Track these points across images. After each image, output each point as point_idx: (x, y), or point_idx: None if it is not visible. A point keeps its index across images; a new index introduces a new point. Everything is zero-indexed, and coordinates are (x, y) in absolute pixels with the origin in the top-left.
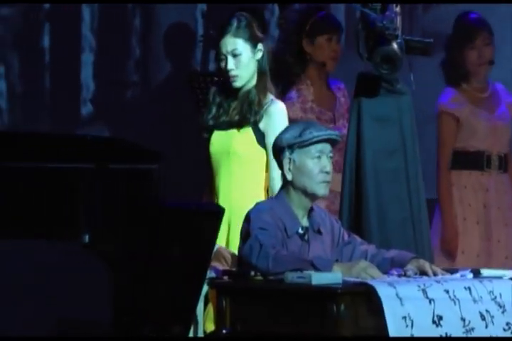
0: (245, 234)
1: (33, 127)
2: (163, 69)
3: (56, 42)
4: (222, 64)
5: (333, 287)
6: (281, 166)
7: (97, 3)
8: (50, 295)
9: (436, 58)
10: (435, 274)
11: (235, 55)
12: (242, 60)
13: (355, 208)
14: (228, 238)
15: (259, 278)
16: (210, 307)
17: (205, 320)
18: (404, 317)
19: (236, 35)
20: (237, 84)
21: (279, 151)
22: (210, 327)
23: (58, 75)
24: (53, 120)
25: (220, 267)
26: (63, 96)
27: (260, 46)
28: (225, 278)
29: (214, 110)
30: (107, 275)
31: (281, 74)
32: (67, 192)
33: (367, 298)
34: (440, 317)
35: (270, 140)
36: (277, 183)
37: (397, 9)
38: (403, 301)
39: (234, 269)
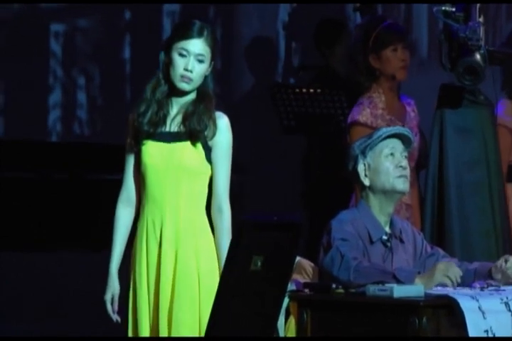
0: (326, 245)
1: (113, 139)
2: (245, 81)
3: (137, 54)
4: (183, 61)
5: (415, 300)
6: (356, 177)
7: (177, 12)
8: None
9: None
10: None
11: (198, 60)
12: (202, 67)
13: (437, 220)
14: (177, 254)
15: (341, 290)
16: (292, 321)
17: (286, 333)
18: (486, 331)
19: (206, 43)
20: (189, 87)
21: (353, 161)
22: None
23: (139, 86)
24: None
25: (301, 280)
26: None
27: (212, 65)
28: (306, 290)
29: (150, 113)
30: None
31: (351, 89)
32: None
33: (449, 311)
34: None
35: (217, 154)
36: (224, 198)
37: (481, 19)
38: (485, 314)
39: (315, 282)
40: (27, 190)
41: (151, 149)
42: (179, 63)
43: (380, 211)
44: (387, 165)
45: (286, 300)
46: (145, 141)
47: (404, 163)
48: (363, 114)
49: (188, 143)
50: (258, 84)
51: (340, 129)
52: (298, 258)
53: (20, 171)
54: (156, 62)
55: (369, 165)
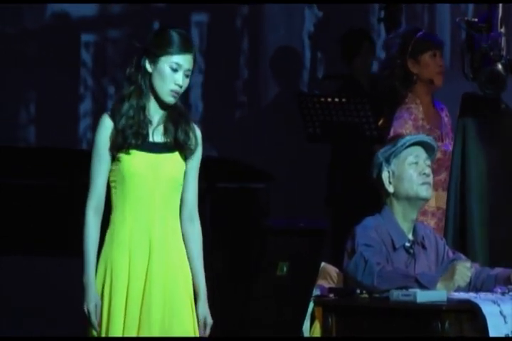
0: (350, 251)
1: None
2: (271, 90)
3: None
4: (174, 75)
5: (438, 304)
6: (381, 183)
7: (205, 22)
8: None
9: None
10: None
11: (186, 75)
12: (187, 82)
13: (460, 227)
14: (167, 265)
15: (365, 295)
16: (317, 325)
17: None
18: (507, 335)
19: (193, 58)
20: (174, 101)
21: (377, 169)
22: None
23: None
24: None
25: (326, 285)
26: None
27: None
28: (331, 295)
29: (136, 125)
30: None
31: (386, 98)
32: None
33: (471, 316)
34: None
35: (193, 165)
36: (195, 208)
37: (502, 30)
38: (507, 319)
39: (339, 287)
40: (61, 197)
41: (138, 159)
42: (170, 78)
43: (404, 218)
44: (410, 172)
45: (311, 305)
46: (130, 151)
47: (428, 170)
48: (405, 127)
49: (176, 154)
50: (284, 93)
51: (364, 137)
52: (323, 264)
53: (51, 178)
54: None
55: (393, 173)
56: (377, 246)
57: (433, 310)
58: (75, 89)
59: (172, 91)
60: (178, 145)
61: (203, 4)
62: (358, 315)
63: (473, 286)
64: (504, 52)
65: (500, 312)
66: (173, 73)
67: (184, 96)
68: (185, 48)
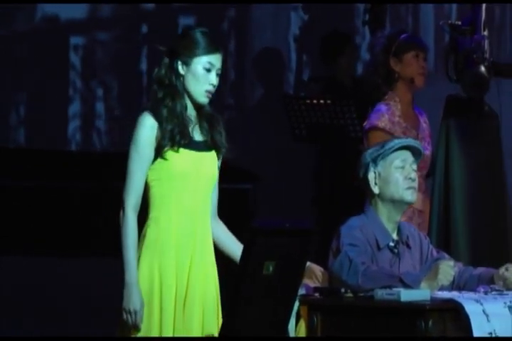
0: (336, 250)
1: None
2: (257, 92)
3: (154, 65)
4: (208, 75)
5: (422, 303)
6: (366, 184)
7: (193, 25)
8: None
9: None
10: None
11: (217, 74)
12: (218, 81)
13: (444, 226)
14: (205, 265)
15: (350, 295)
16: (302, 324)
17: (297, 336)
18: (491, 333)
19: (222, 57)
20: (208, 101)
21: (364, 169)
22: None
23: None
24: None
25: (311, 284)
26: None
27: None
28: (316, 295)
29: (180, 125)
30: None
31: (370, 95)
32: None
33: (454, 314)
34: None
35: (219, 164)
36: (216, 203)
37: (485, 33)
38: (489, 317)
39: (325, 286)
40: (48, 199)
41: (185, 157)
42: (204, 78)
43: (388, 219)
44: (397, 176)
45: (296, 304)
46: (177, 149)
47: (414, 174)
48: (381, 119)
49: (213, 152)
50: (270, 95)
51: (350, 138)
52: (308, 263)
53: (40, 180)
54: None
55: (379, 174)
56: (362, 245)
57: (417, 309)
58: (64, 92)
59: (207, 91)
60: (214, 144)
61: (190, 7)
62: (342, 314)
63: (457, 285)
64: (487, 55)
65: (483, 311)
66: (206, 73)
67: None
68: (215, 48)
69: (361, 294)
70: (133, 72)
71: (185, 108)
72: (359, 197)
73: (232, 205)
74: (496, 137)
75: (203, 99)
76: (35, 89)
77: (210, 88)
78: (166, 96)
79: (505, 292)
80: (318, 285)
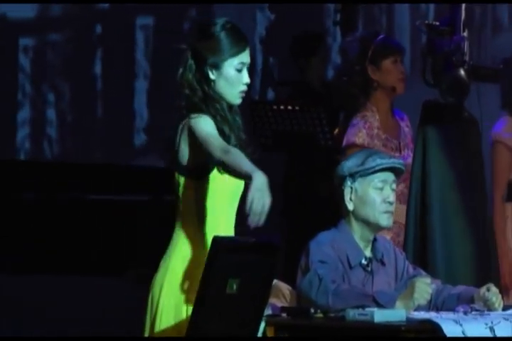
0: (304, 268)
1: (84, 158)
2: None
3: (108, 69)
4: (240, 75)
5: (397, 324)
6: (341, 196)
7: (151, 26)
8: None
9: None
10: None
11: (248, 69)
12: None
13: (420, 241)
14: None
15: (320, 315)
16: None
17: None
18: None
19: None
20: (241, 101)
21: (340, 180)
22: None
23: (111, 103)
24: (105, 150)
25: (278, 303)
26: (115, 125)
27: None
28: (284, 315)
29: (228, 126)
30: None
31: (342, 103)
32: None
33: (432, 336)
34: None
35: None
36: None
37: (465, 34)
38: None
39: (293, 306)
40: None
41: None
42: (238, 79)
43: (361, 237)
44: (374, 197)
45: (262, 325)
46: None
47: (392, 198)
48: (358, 135)
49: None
50: None
51: (319, 147)
52: (275, 281)
53: None
54: (127, 78)
55: (356, 191)
56: (333, 262)
57: (391, 330)
58: (12, 96)
59: (241, 92)
60: (241, 145)
61: (148, 7)
62: (312, 335)
63: (434, 305)
64: (467, 57)
65: (463, 333)
66: (238, 74)
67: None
68: (243, 44)
69: (332, 314)
70: (87, 76)
71: (225, 110)
72: (329, 210)
73: None
74: (477, 145)
75: (238, 100)
76: None
77: (244, 88)
78: (201, 102)
79: (486, 312)
80: (285, 304)
